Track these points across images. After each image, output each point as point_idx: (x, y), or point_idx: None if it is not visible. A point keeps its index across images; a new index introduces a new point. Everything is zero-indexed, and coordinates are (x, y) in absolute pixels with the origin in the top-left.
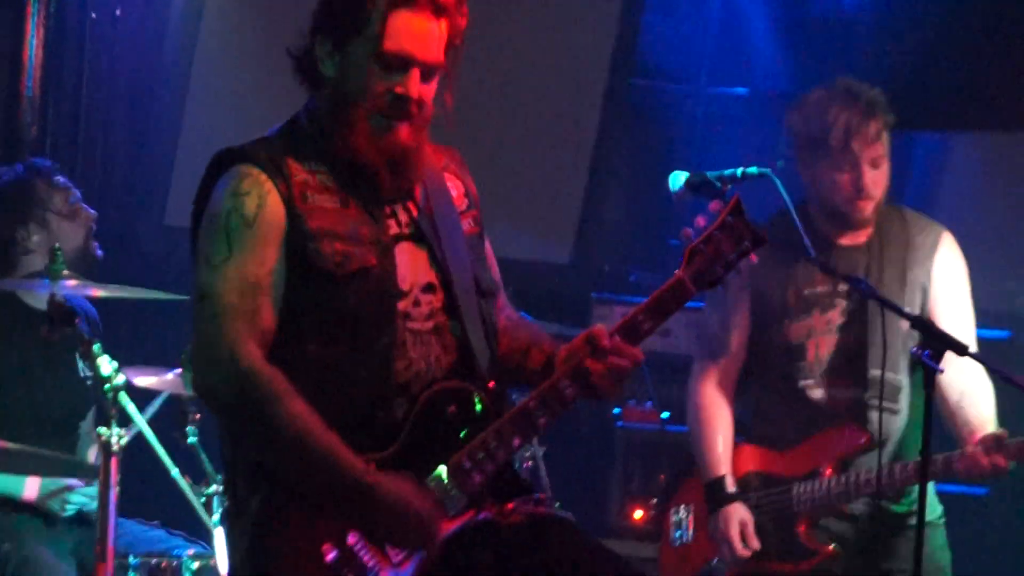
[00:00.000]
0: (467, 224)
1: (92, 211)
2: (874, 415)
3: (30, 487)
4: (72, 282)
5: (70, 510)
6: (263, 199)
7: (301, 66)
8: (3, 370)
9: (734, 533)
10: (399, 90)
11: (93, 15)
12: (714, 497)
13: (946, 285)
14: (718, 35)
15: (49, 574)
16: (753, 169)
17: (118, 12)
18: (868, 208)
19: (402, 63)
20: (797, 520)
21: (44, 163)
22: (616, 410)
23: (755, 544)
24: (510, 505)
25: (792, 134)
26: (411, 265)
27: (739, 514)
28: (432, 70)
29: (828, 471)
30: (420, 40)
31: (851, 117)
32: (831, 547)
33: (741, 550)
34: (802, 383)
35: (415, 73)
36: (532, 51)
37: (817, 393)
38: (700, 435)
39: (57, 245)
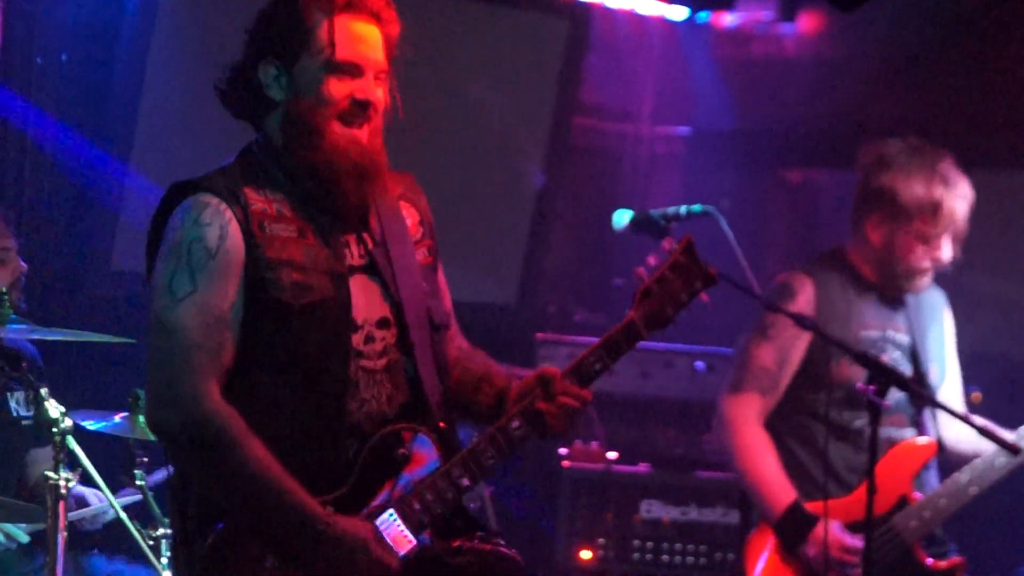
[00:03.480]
0: (421, 254)
1: (24, 263)
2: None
3: None
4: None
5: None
6: (224, 229)
7: (241, 100)
8: None
9: (849, 542)
10: (359, 95)
11: (39, 60)
12: (797, 523)
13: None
14: (661, 74)
15: None
16: (697, 207)
17: (64, 57)
18: (929, 280)
19: (356, 69)
20: (914, 548)
21: None
22: (562, 450)
23: (858, 543)
24: (456, 543)
25: (878, 188)
26: (365, 299)
27: (830, 529)
28: (381, 74)
29: (916, 496)
30: (368, 45)
31: (965, 206)
32: (958, 559)
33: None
34: (859, 423)
35: (369, 77)
36: (475, 91)
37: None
38: (760, 468)
39: (3, 288)
